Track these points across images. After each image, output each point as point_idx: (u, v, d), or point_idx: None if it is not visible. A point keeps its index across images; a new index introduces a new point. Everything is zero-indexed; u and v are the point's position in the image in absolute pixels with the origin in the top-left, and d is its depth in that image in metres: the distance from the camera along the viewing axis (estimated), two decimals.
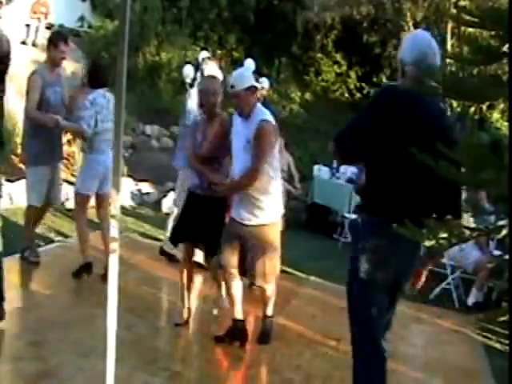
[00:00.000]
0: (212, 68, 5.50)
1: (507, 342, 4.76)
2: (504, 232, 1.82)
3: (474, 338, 5.14)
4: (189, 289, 4.38)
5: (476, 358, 4.76)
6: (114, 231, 2.72)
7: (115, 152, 2.71)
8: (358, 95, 14.34)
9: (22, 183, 5.77)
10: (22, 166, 5.77)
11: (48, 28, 12.28)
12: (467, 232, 1.86)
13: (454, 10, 10.56)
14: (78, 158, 8.00)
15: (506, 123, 10.78)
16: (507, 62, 1.65)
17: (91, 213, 5.38)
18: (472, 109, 10.91)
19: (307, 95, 14.20)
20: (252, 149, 3.78)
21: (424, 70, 2.66)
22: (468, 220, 4.72)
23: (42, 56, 5.98)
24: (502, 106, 11.03)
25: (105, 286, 2.75)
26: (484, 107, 11.01)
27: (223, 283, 4.21)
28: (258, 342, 4.22)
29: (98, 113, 4.89)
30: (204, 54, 6.40)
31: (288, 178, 9.14)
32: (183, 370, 3.84)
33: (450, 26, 11.29)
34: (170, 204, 8.56)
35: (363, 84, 14.20)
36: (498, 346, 4.95)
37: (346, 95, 14.40)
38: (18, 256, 5.18)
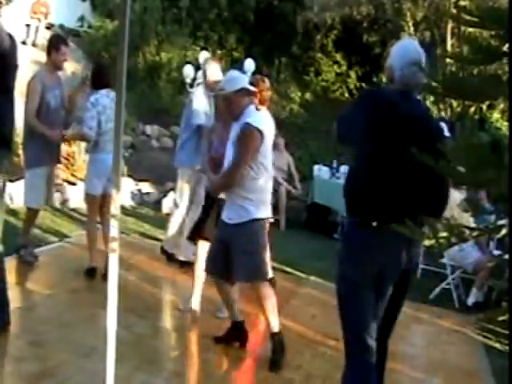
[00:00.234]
0: (215, 68, 5.49)
1: (507, 342, 4.76)
2: (504, 231, 1.82)
3: (474, 337, 5.14)
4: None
5: (476, 357, 4.77)
6: (113, 231, 2.72)
7: (115, 152, 2.71)
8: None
9: (22, 183, 5.77)
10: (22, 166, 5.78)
11: (48, 28, 12.28)
12: (467, 231, 1.86)
13: (454, 10, 10.56)
14: (77, 158, 8.01)
15: (505, 123, 10.77)
16: (507, 61, 1.65)
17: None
18: (472, 109, 10.91)
19: (307, 95, 14.19)
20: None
21: (410, 77, 2.80)
22: (468, 219, 4.73)
23: (42, 56, 5.97)
24: (501, 105, 11.01)
25: (105, 285, 2.75)
26: (484, 107, 11.00)
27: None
28: (268, 369, 3.88)
29: (100, 113, 4.91)
30: (204, 54, 6.41)
31: (288, 178, 9.18)
32: (183, 370, 3.85)
33: (449, 25, 11.29)
34: (170, 204, 8.58)
35: (363, 84, 14.18)
36: (498, 345, 4.94)
37: (346, 95, 14.38)
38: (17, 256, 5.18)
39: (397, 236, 2.49)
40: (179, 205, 5.68)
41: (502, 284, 5.34)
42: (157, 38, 13.34)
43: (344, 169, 8.85)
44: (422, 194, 2.77)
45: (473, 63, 1.73)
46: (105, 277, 3.38)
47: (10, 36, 3.66)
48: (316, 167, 9.41)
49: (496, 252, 6.21)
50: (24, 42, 11.73)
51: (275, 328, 3.95)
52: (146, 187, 9.09)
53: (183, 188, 5.62)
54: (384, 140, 2.76)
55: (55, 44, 5.02)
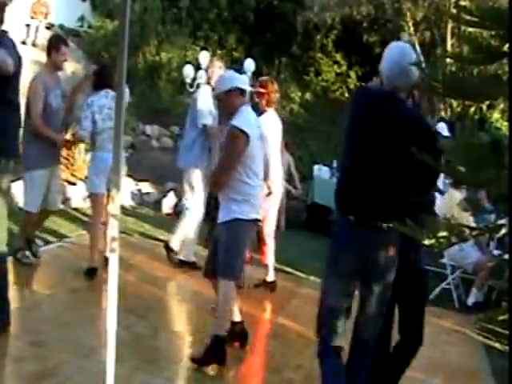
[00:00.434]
0: (220, 68, 5.49)
1: (507, 342, 4.76)
2: (503, 231, 1.82)
3: (474, 338, 5.14)
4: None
5: (476, 357, 4.77)
6: (113, 231, 2.72)
7: (115, 152, 2.71)
8: None
9: (22, 183, 5.77)
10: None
11: (48, 28, 12.27)
12: (467, 231, 1.87)
13: (454, 10, 10.55)
14: (77, 158, 8.01)
15: (505, 123, 10.77)
16: (507, 61, 1.65)
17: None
18: (472, 109, 10.92)
19: (307, 95, 14.19)
20: None
21: (397, 79, 2.91)
22: (468, 219, 4.73)
23: (42, 56, 5.97)
24: (501, 105, 11.01)
25: (105, 285, 2.75)
26: (484, 107, 11.01)
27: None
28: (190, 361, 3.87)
29: (95, 113, 4.95)
30: (204, 54, 6.40)
31: (288, 178, 9.17)
32: (183, 370, 3.85)
33: (449, 25, 11.30)
34: (170, 204, 8.58)
35: (363, 84, 14.18)
36: (497, 345, 4.94)
37: (346, 95, 14.37)
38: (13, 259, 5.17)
39: (379, 231, 2.72)
40: (191, 208, 5.57)
41: (501, 284, 5.35)
42: (157, 38, 13.35)
43: None
44: (405, 191, 2.85)
45: (473, 63, 1.73)
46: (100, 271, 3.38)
47: (17, 54, 3.77)
48: (316, 167, 9.41)
49: (496, 252, 6.22)
50: (24, 42, 11.71)
51: (219, 331, 3.78)
52: (146, 187, 9.09)
53: (194, 189, 5.52)
54: (375, 139, 2.84)
55: (55, 44, 5.02)
